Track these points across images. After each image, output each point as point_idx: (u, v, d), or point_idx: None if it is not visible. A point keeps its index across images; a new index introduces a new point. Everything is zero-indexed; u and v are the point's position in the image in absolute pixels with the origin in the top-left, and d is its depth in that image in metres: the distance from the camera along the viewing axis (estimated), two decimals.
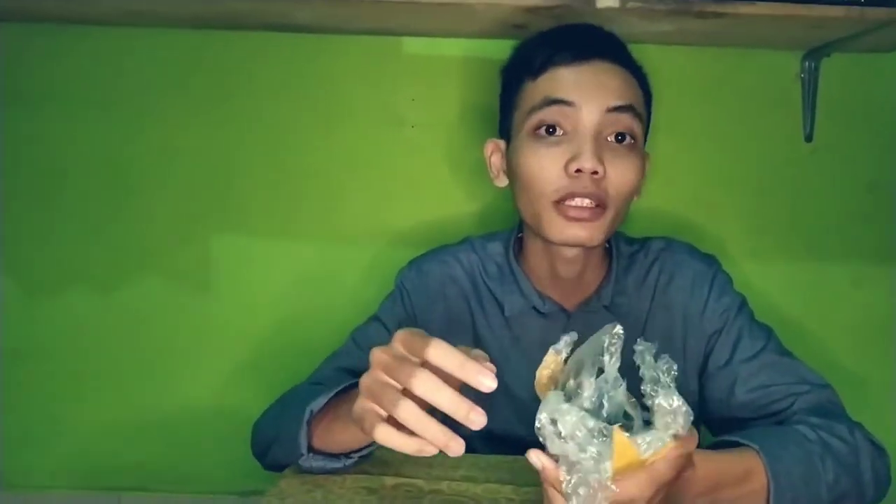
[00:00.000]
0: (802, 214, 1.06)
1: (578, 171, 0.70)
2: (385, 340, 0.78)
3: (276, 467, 0.72)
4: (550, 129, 0.73)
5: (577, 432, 0.45)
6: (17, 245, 1.07)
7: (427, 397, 0.49)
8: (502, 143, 0.81)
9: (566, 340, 0.52)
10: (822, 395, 0.73)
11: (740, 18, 0.88)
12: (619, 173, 0.72)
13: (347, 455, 0.65)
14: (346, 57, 1.05)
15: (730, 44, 1.03)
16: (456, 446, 0.48)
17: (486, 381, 0.48)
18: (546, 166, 0.72)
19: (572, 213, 0.72)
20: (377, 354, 0.53)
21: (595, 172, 0.70)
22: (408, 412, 0.49)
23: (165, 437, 1.07)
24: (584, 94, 0.72)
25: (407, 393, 0.50)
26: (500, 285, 0.83)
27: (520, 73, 0.77)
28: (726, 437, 0.65)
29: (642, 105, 0.76)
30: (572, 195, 0.71)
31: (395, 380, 0.51)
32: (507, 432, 0.74)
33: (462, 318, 0.84)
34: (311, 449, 0.65)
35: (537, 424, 0.47)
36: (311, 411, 0.64)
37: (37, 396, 1.08)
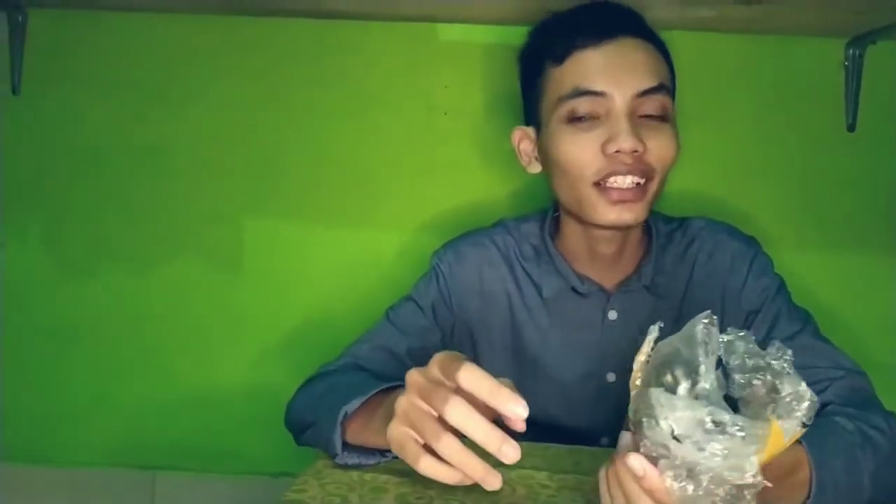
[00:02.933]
0: (843, 205, 1.04)
1: (618, 151, 0.71)
2: (419, 321, 0.82)
3: (310, 446, 0.72)
4: (579, 117, 0.73)
5: (695, 431, 0.41)
6: (57, 226, 1.10)
7: (460, 427, 0.49)
8: (531, 130, 0.81)
9: (656, 328, 0.49)
10: (856, 382, 0.73)
11: (783, 4, 0.87)
12: (659, 146, 0.72)
13: (382, 453, 0.64)
14: (381, 43, 1.05)
15: (771, 31, 1.01)
16: (493, 480, 0.49)
17: (518, 409, 0.48)
18: (583, 150, 0.73)
19: (615, 195, 0.72)
20: (413, 377, 0.53)
21: (635, 150, 0.71)
22: (449, 448, 0.50)
23: (199, 417, 1.10)
24: (613, 81, 0.72)
25: (443, 421, 0.50)
26: (537, 266, 0.83)
27: (542, 59, 0.77)
28: None
29: (669, 79, 0.76)
30: (613, 174, 0.72)
31: (430, 405, 0.51)
32: (546, 415, 0.74)
33: (499, 300, 0.83)
34: (345, 445, 0.64)
35: (635, 423, 0.43)
36: (346, 413, 0.63)
37: (75, 375, 1.11)
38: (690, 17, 0.96)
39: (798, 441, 0.59)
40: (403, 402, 0.53)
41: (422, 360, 0.67)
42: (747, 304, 0.79)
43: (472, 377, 0.49)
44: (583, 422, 0.81)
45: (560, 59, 0.74)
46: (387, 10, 1.00)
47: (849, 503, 0.60)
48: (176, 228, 1.09)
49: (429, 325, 0.83)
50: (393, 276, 1.07)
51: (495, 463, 0.49)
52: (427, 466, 0.51)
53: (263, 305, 1.09)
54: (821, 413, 0.67)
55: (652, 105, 0.72)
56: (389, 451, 0.62)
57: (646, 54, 0.73)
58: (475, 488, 0.61)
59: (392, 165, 1.07)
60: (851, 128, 1.01)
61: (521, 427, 0.49)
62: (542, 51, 0.77)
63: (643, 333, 0.71)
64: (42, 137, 1.09)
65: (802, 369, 0.69)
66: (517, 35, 1.02)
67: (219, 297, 1.10)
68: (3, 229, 1.10)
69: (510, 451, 0.48)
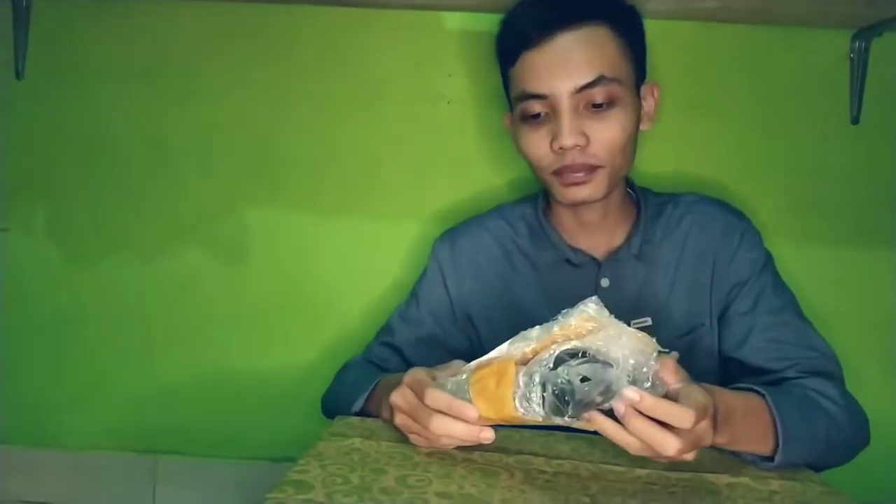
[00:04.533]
0: (846, 198, 1.04)
1: (561, 148, 0.76)
2: (422, 320, 0.90)
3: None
4: (533, 115, 0.78)
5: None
6: (61, 213, 1.10)
7: (444, 433, 0.62)
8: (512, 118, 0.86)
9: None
10: (825, 364, 0.77)
11: None
12: (604, 135, 0.77)
13: None
14: (385, 31, 1.05)
15: (776, 22, 1.01)
16: (486, 435, 0.61)
17: (469, 413, 0.60)
18: (537, 147, 0.79)
19: (568, 179, 0.78)
20: (396, 402, 0.66)
21: (577, 146, 0.76)
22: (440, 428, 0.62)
23: (202, 403, 1.11)
24: (552, 81, 0.76)
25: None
26: (531, 242, 0.88)
27: (502, 59, 0.83)
28: (731, 386, 0.69)
29: (618, 58, 0.77)
30: (564, 169, 0.78)
31: (417, 422, 0.64)
32: None
33: (494, 283, 0.88)
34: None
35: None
36: (355, 412, 0.77)
37: (79, 361, 1.11)
38: (695, 7, 0.96)
39: (757, 392, 0.67)
40: (398, 419, 0.67)
41: (429, 349, 0.87)
42: (735, 275, 0.82)
43: (436, 401, 0.62)
44: None
45: (511, 60, 0.80)
46: None
47: (809, 452, 0.67)
48: (180, 218, 1.10)
49: (432, 318, 0.89)
50: (398, 266, 1.07)
51: (496, 447, 0.57)
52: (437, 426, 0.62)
53: (267, 295, 1.10)
54: (779, 383, 0.75)
55: (594, 97, 0.76)
56: None
57: (584, 48, 0.76)
58: (473, 472, 0.61)
59: (397, 155, 1.07)
60: (855, 120, 1.01)
61: (487, 439, 0.61)
62: (500, 54, 0.83)
63: (636, 300, 0.83)
64: (47, 124, 1.09)
65: (779, 343, 0.78)
66: None
67: (223, 287, 1.10)
68: (7, 215, 1.10)
69: (487, 435, 0.61)
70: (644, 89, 0.82)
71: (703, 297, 0.83)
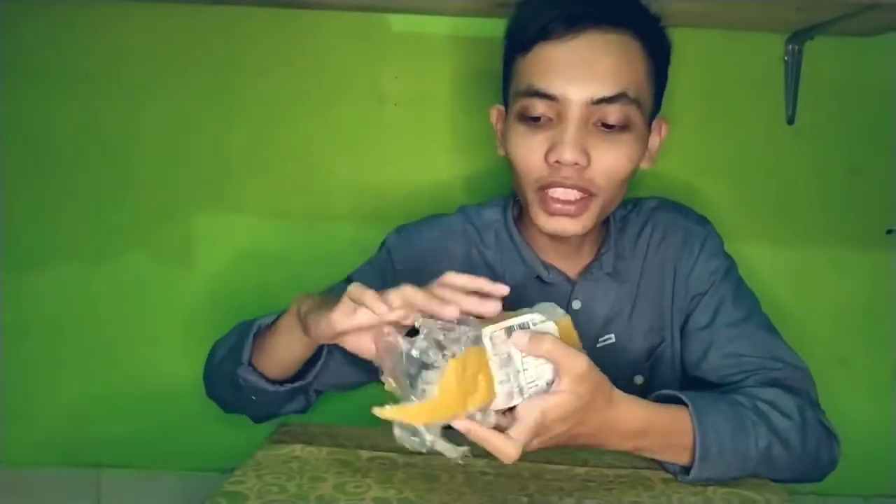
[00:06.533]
0: (784, 197, 1.07)
1: (557, 162, 0.67)
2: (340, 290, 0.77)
3: (223, 399, 0.79)
4: (534, 117, 0.69)
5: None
6: (2, 219, 1.06)
7: (408, 297, 0.53)
8: (503, 112, 0.77)
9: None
10: (792, 374, 0.72)
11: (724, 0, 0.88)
12: (608, 160, 0.68)
13: (281, 383, 0.69)
14: (332, 33, 1.04)
15: (713, 25, 1.03)
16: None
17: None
18: (529, 153, 0.69)
19: (556, 206, 0.69)
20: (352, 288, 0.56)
21: (576, 164, 0.67)
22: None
23: (147, 414, 1.08)
24: (568, 84, 0.66)
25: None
26: (500, 255, 0.79)
27: (513, 44, 0.72)
28: (662, 392, 0.66)
29: (644, 80, 0.69)
30: (554, 184, 0.68)
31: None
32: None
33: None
34: (251, 364, 0.68)
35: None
36: (260, 326, 0.69)
37: (19, 371, 1.07)
38: None
39: (684, 404, 0.63)
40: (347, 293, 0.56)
41: None
42: (694, 287, 0.78)
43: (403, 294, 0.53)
44: None
45: (526, 48, 0.69)
46: (339, 0, 0.99)
47: (736, 469, 0.63)
48: (127, 222, 1.07)
49: None
50: (345, 270, 1.06)
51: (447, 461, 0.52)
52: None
53: (213, 301, 1.08)
54: (734, 392, 0.70)
55: (608, 114, 0.67)
56: (288, 382, 0.68)
57: (615, 54, 0.67)
58: (414, 476, 0.61)
59: (343, 156, 1.06)
60: (791, 121, 1.04)
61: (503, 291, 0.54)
62: (514, 36, 0.72)
63: (606, 320, 0.76)
64: None
65: (742, 356, 0.73)
66: (467, 26, 1.03)
67: (168, 293, 1.08)
68: None
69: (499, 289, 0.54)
70: (655, 123, 0.74)
71: (665, 311, 0.78)
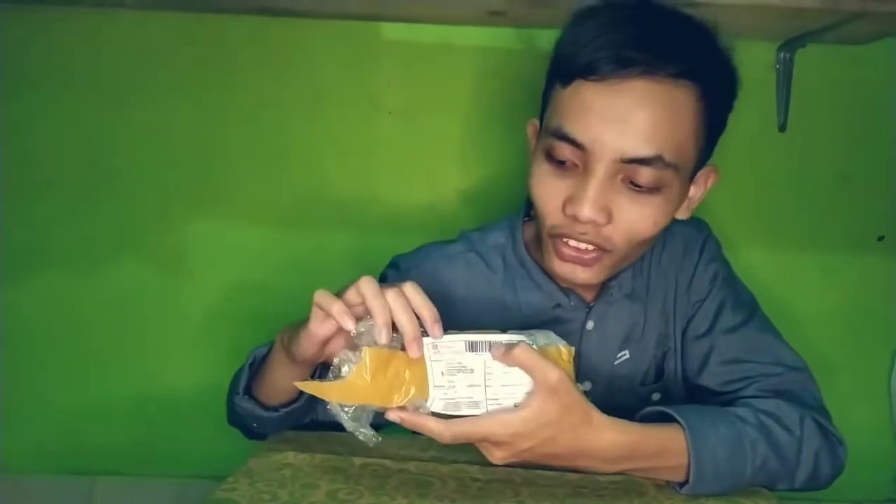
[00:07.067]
0: (775, 204, 1.07)
1: (575, 217, 0.62)
2: None
3: (239, 427, 0.77)
4: (559, 160, 0.63)
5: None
6: None
7: (365, 293, 0.57)
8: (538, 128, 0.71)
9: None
10: (793, 379, 0.71)
11: (716, 8, 0.89)
12: (630, 221, 0.62)
13: (275, 408, 0.69)
14: (325, 41, 1.05)
15: None
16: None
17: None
18: (548, 197, 0.64)
19: (568, 253, 0.65)
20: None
21: (594, 222, 0.62)
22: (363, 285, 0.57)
23: (140, 421, 1.08)
24: (600, 136, 0.60)
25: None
26: (511, 281, 0.74)
27: (555, 70, 0.65)
28: (658, 408, 0.64)
29: (690, 137, 0.62)
30: (567, 236, 0.64)
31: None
32: None
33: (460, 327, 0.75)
34: (248, 392, 0.70)
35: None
36: (256, 357, 0.71)
37: (12, 379, 1.07)
38: None
39: (680, 425, 0.62)
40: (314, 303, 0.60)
41: None
42: (695, 293, 0.76)
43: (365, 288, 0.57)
44: None
45: (564, 80, 0.62)
46: (331, 9, 0.99)
47: (730, 487, 0.63)
48: (118, 229, 1.07)
49: None
50: (339, 277, 1.05)
51: (432, 457, 0.58)
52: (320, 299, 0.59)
53: (206, 307, 1.08)
54: (735, 403, 0.69)
55: (638, 176, 0.61)
56: (283, 407, 0.69)
57: (659, 109, 0.59)
58: (406, 482, 0.61)
59: (337, 164, 1.07)
60: (782, 128, 1.04)
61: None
62: (559, 60, 0.64)
63: (623, 339, 0.75)
64: None
65: (743, 362, 0.72)
66: (461, 35, 1.04)
67: (162, 299, 1.08)
68: None
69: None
70: (701, 173, 0.68)
71: (669, 319, 0.76)
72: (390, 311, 0.56)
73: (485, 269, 0.75)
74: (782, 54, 1.04)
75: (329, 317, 0.58)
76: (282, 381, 0.67)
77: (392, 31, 1.05)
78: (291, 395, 0.69)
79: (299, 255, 1.07)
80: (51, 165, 1.06)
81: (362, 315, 0.58)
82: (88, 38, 1.04)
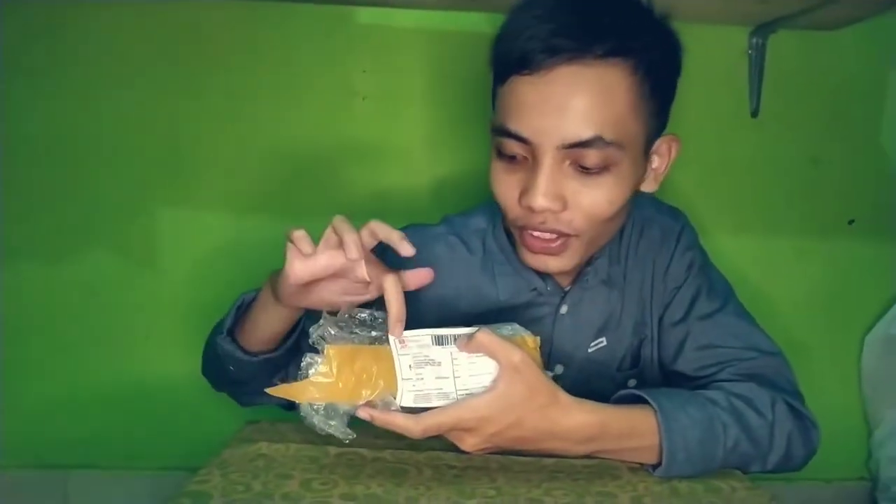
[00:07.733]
0: (748, 188, 1.09)
1: (530, 208, 0.63)
2: None
3: (211, 374, 0.79)
4: (509, 156, 0.64)
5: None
6: None
7: (338, 227, 0.60)
8: None
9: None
10: (767, 363, 0.72)
11: None
12: (586, 203, 0.63)
13: (255, 353, 0.70)
14: (299, 26, 1.03)
15: (677, 19, 1.02)
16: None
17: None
18: (505, 192, 0.66)
19: (536, 244, 0.66)
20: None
21: (549, 210, 0.63)
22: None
23: (113, 413, 1.07)
24: (537, 127, 0.61)
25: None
26: (490, 267, 0.75)
27: (494, 69, 0.66)
28: (630, 391, 0.65)
29: (630, 112, 0.62)
30: (529, 227, 0.65)
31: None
32: None
33: (442, 311, 0.74)
34: (231, 334, 0.71)
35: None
36: (244, 300, 0.72)
37: None
38: None
39: (651, 407, 0.63)
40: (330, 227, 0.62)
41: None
42: (672, 280, 0.76)
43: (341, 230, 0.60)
44: None
45: (501, 79, 0.64)
46: None
47: (702, 469, 0.63)
48: (87, 220, 1.05)
49: None
50: None
51: (408, 445, 0.58)
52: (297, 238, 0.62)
53: (178, 298, 1.06)
54: (709, 387, 0.70)
55: (583, 158, 0.62)
56: (262, 352, 0.70)
57: (587, 94, 0.60)
58: (382, 471, 0.61)
59: (311, 151, 1.05)
60: (755, 113, 1.05)
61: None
62: (495, 59, 0.66)
63: (599, 326, 0.76)
64: None
65: (717, 347, 0.73)
66: (436, 20, 1.03)
67: (132, 290, 1.06)
68: None
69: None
70: (659, 144, 0.68)
71: (646, 306, 0.76)
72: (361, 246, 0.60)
73: (465, 252, 0.76)
74: (754, 40, 1.04)
75: (310, 256, 0.61)
76: (266, 324, 0.68)
77: (367, 15, 1.03)
78: (272, 344, 0.70)
79: (271, 244, 1.06)
80: (19, 157, 1.03)
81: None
82: (54, 28, 1.01)
